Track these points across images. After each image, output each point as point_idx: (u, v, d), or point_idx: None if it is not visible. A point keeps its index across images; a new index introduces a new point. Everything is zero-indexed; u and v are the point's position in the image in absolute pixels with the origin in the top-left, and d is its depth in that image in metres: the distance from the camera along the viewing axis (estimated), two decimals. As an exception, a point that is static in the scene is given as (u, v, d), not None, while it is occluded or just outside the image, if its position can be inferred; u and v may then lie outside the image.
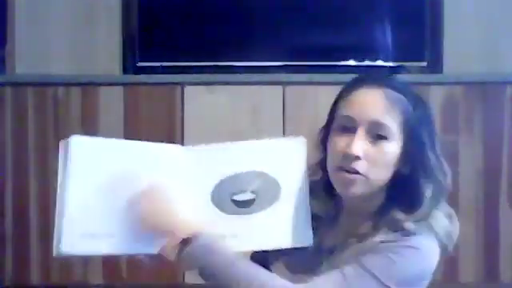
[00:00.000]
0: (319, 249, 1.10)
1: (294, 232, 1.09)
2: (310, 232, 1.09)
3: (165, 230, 1.02)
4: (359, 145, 1.04)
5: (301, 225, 1.09)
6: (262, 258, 1.19)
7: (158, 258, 1.05)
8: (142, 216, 1.01)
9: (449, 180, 1.08)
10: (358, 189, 1.06)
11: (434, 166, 1.06)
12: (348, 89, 1.10)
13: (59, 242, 0.97)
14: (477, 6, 2.72)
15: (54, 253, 0.98)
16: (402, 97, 1.06)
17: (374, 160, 1.04)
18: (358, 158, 1.04)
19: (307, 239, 1.09)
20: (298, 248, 1.09)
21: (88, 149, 1.03)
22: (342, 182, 1.06)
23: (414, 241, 1.03)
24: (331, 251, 1.09)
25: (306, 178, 1.11)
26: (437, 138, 1.09)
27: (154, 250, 1.04)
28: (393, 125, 1.05)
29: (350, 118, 1.06)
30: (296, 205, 1.09)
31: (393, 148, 1.05)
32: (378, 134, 1.05)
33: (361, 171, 1.04)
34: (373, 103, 1.06)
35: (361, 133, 1.05)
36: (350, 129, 1.06)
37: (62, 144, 1.02)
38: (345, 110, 1.08)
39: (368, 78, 1.11)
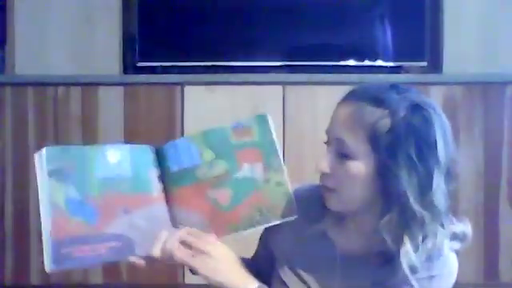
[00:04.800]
0: (333, 252, 1.09)
1: (279, 207, 1.09)
2: (294, 205, 1.09)
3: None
4: (326, 161, 1.02)
5: (285, 199, 1.09)
6: (266, 261, 1.20)
7: (148, 259, 1.06)
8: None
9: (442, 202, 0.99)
10: (334, 205, 1.05)
11: (408, 190, 0.97)
12: (338, 102, 1.06)
13: (48, 259, 0.98)
14: (477, 6, 2.72)
15: (47, 269, 0.99)
16: (379, 113, 0.98)
17: (341, 177, 1.02)
18: (326, 174, 1.03)
19: (292, 212, 1.09)
20: (308, 249, 1.09)
21: (62, 158, 1.03)
22: (323, 196, 1.06)
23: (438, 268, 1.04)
24: (347, 258, 1.08)
25: (278, 150, 1.10)
26: (434, 157, 0.97)
27: (141, 252, 1.05)
28: (356, 143, 0.99)
29: (327, 134, 1.05)
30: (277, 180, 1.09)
31: (359, 168, 0.99)
32: (342, 152, 1.01)
33: (330, 187, 1.03)
34: (339, 120, 1.02)
35: (330, 149, 1.03)
36: (328, 144, 1.05)
37: (36, 157, 1.03)
38: (327, 126, 1.06)
39: (353, 91, 1.04)
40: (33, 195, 2.47)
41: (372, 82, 2.39)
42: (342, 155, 1.01)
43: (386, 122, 0.98)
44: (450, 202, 1.02)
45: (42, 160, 1.02)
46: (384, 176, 0.98)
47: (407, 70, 2.72)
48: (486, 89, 2.52)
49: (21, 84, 2.55)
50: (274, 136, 1.11)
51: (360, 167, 1.00)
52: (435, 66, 2.73)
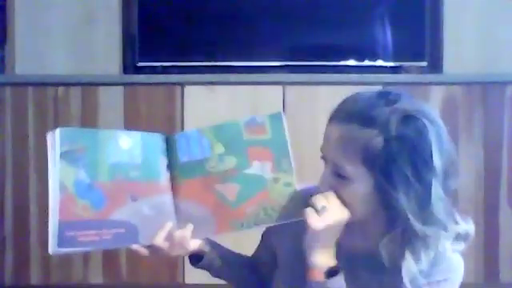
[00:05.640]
0: (337, 254, 1.08)
1: (285, 208, 1.08)
2: (300, 206, 1.07)
3: None
4: (325, 182, 1.02)
5: (291, 200, 1.08)
6: (267, 261, 1.20)
7: (151, 248, 1.06)
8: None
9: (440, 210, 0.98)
10: None
11: (407, 208, 0.96)
12: (329, 119, 1.04)
13: (54, 239, 0.98)
14: (477, 5, 2.72)
15: (50, 251, 0.98)
16: (369, 133, 0.96)
17: (342, 197, 1.01)
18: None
19: (297, 214, 1.07)
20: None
21: (74, 140, 1.02)
22: None
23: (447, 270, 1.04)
24: (351, 260, 1.08)
25: (289, 151, 1.09)
26: (430, 170, 0.96)
27: (145, 241, 1.05)
28: (352, 167, 0.98)
29: (322, 153, 1.04)
30: (285, 181, 1.09)
31: (356, 188, 0.99)
32: (340, 174, 1.00)
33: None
34: (332, 143, 1.00)
35: (328, 170, 1.02)
36: (325, 162, 1.04)
37: (48, 137, 1.02)
38: (322, 144, 1.05)
39: (341, 109, 1.02)
40: (33, 195, 2.47)
41: (372, 81, 2.40)
42: (340, 176, 1.00)
43: (378, 142, 0.96)
44: (452, 203, 1.01)
45: (54, 140, 1.01)
46: (382, 195, 0.98)
47: (407, 70, 2.72)
48: (485, 89, 2.52)
49: (21, 84, 2.55)
50: (287, 136, 1.10)
51: (359, 189, 0.99)
52: (435, 66, 2.73)
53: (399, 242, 0.99)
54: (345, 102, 1.03)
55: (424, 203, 0.96)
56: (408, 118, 0.96)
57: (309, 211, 1.01)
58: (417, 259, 0.99)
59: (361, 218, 1.03)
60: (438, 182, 0.97)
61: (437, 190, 0.96)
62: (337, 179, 1.01)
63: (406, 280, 0.98)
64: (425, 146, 0.95)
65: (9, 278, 2.52)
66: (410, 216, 0.96)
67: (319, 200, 1.01)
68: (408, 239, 0.98)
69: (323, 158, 1.04)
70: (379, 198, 0.99)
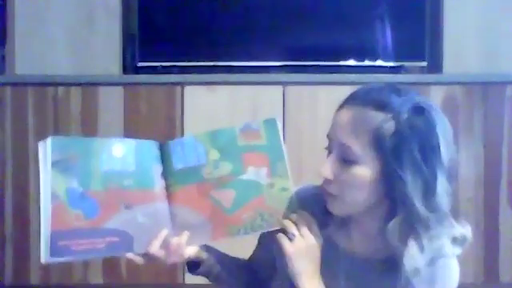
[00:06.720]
0: (337, 255, 1.09)
1: (282, 213, 1.08)
2: (297, 211, 1.08)
3: None
4: (328, 167, 1.02)
5: (286, 205, 1.08)
6: (266, 264, 1.19)
7: (146, 256, 1.05)
8: None
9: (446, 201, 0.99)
10: (338, 210, 1.05)
11: (413, 193, 0.97)
12: (338, 107, 1.05)
13: (46, 249, 0.97)
14: (477, 6, 2.72)
15: (42, 260, 0.98)
16: (382, 116, 0.98)
17: (345, 183, 1.01)
18: (329, 180, 1.02)
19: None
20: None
21: (66, 149, 1.02)
22: (326, 201, 1.06)
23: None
24: (351, 261, 1.08)
25: (285, 156, 1.09)
26: (437, 159, 0.97)
27: (139, 249, 1.04)
28: (361, 149, 0.98)
29: (328, 139, 1.05)
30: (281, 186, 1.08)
31: (362, 171, 0.99)
32: (346, 158, 1.00)
33: (333, 193, 1.03)
34: (342, 125, 1.01)
35: (333, 155, 1.02)
36: (330, 149, 1.04)
37: (40, 146, 1.02)
38: (328, 131, 1.05)
39: (353, 95, 1.04)
40: (33, 195, 2.47)
41: (372, 82, 2.40)
42: (346, 161, 1.00)
43: (390, 126, 0.97)
44: (451, 203, 1.01)
45: (45, 149, 1.01)
46: (389, 180, 0.98)
47: (407, 70, 2.72)
48: (486, 89, 2.52)
49: (21, 84, 2.55)
50: (282, 141, 1.10)
51: (365, 172, 0.99)
52: (435, 65, 2.73)
53: (403, 228, 0.99)
54: (358, 89, 1.04)
55: (430, 190, 0.97)
56: (420, 109, 0.99)
57: (280, 236, 1.05)
58: (420, 248, 0.99)
59: (362, 208, 1.02)
60: (443, 174, 0.98)
61: (442, 181, 0.98)
62: (342, 165, 1.01)
63: (407, 268, 0.98)
64: (434, 137, 0.98)
65: (9, 278, 2.52)
66: (415, 200, 0.96)
67: (290, 227, 1.05)
68: (412, 225, 0.98)
69: (328, 145, 1.04)
70: (384, 185, 0.99)
